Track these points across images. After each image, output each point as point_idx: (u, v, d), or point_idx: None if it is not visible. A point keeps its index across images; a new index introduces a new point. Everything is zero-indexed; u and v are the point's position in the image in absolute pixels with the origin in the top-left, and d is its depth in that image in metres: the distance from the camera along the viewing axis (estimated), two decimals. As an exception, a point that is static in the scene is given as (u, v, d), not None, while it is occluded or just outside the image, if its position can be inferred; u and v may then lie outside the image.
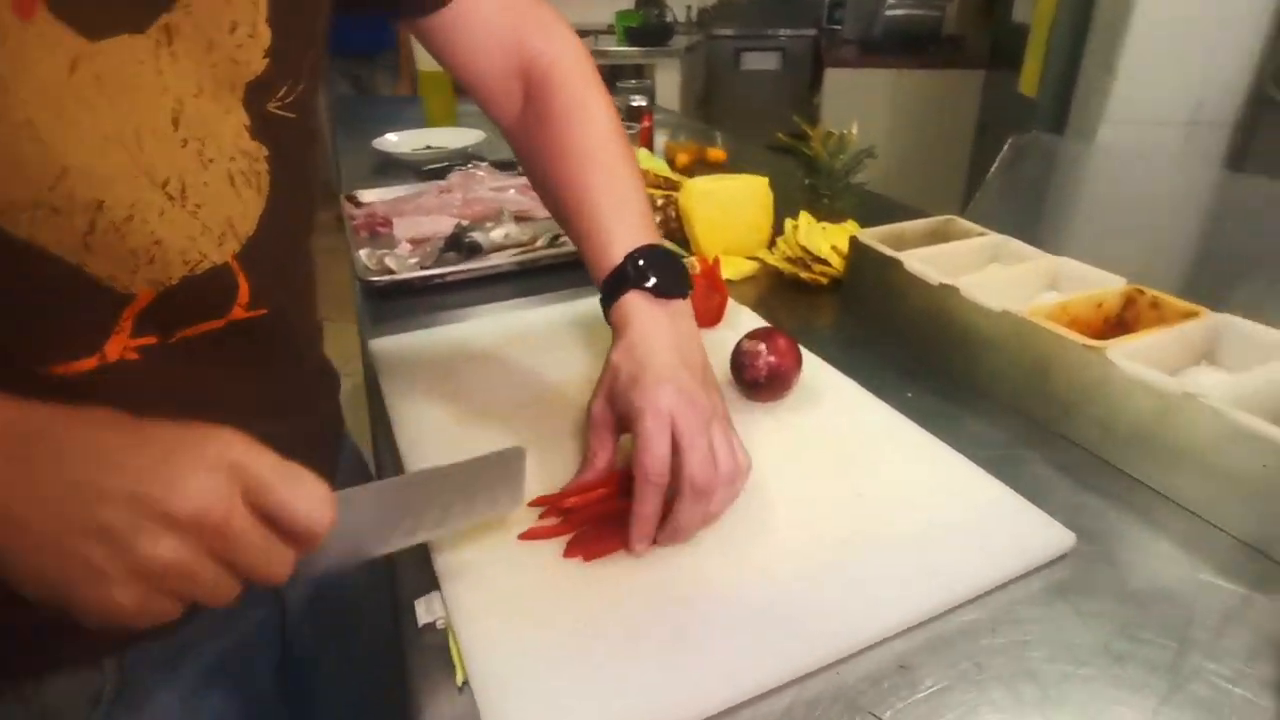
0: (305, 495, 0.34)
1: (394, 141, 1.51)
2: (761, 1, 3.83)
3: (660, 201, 1.03)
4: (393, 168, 1.43)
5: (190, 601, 0.32)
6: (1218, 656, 0.43)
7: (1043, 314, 0.64)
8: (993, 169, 1.17)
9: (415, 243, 1.02)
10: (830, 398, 0.65)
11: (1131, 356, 0.57)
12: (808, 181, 1.09)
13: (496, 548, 0.49)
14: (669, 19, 3.47)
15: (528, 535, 0.48)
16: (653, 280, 0.54)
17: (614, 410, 0.51)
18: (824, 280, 0.88)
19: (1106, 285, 0.69)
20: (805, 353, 0.66)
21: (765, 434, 0.61)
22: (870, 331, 0.80)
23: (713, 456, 0.47)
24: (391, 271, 0.91)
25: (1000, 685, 0.41)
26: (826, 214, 0.97)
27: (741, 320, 0.79)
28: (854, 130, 1.04)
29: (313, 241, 0.54)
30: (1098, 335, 0.62)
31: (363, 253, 0.95)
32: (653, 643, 0.43)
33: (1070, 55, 1.87)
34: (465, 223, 1.03)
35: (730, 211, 0.95)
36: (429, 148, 1.49)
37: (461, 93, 1.27)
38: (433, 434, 0.61)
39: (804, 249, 0.88)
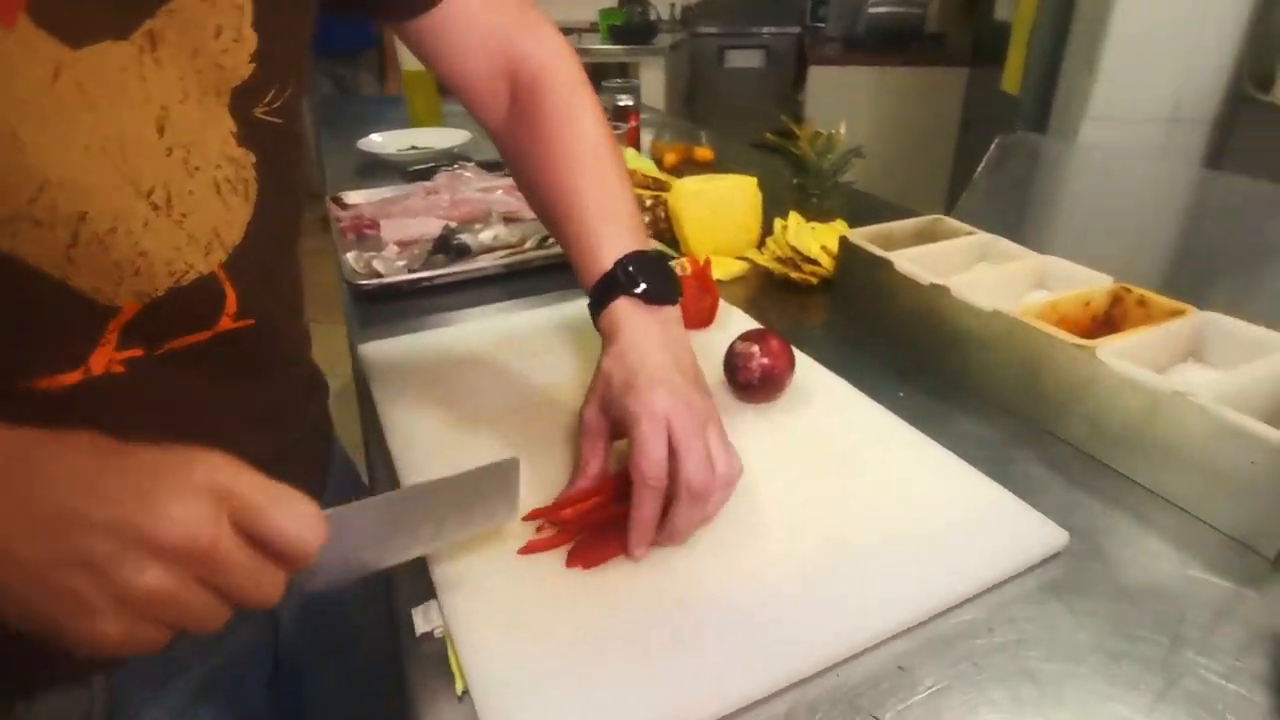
0: (295, 516, 0.33)
1: (379, 142, 1.49)
2: (745, -1, 3.84)
3: (649, 202, 1.03)
4: (378, 168, 1.42)
5: (179, 629, 0.32)
6: (1210, 652, 0.44)
7: (1033, 313, 0.64)
8: (980, 169, 1.18)
9: (403, 245, 1.01)
10: (823, 398, 0.65)
11: (1120, 355, 0.58)
12: (796, 181, 1.09)
13: (494, 557, 0.49)
14: (653, 17, 3.47)
15: (527, 550, 0.48)
16: (643, 286, 0.53)
17: (607, 417, 0.51)
18: (814, 280, 0.88)
19: (1094, 284, 0.70)
20: (797, 353, 0.66)
21: (759, 435, 0.61)
22: (861, 331, 0.80)
23: (709, 460, 0.47)
24: (380, 274, 0.91)
25: (998, 685, 0.42)
26: (815, 213, 0.97)
27: (733, 321, 0.79)
28: (842, 130, 1.05)
29: (300, 246, 0.54)
30: (1086, 333, 0.63)
31: (350, 255, 0.95)
32: (653, 649, 0.42)
33: (1052, 53, 1.89)
34: (453, 224, 1.02)
35: (720, 212, 0.95)
36: (414, 148, 1.48)
37: (446, 92, 1.26)
38: (425, 440, 0.61)
39: (794, 249, 0.88)
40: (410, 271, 0.92)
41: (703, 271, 0.79)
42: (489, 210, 1.07)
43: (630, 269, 0.54)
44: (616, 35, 3.36)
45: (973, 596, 0.47)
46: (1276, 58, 1.58)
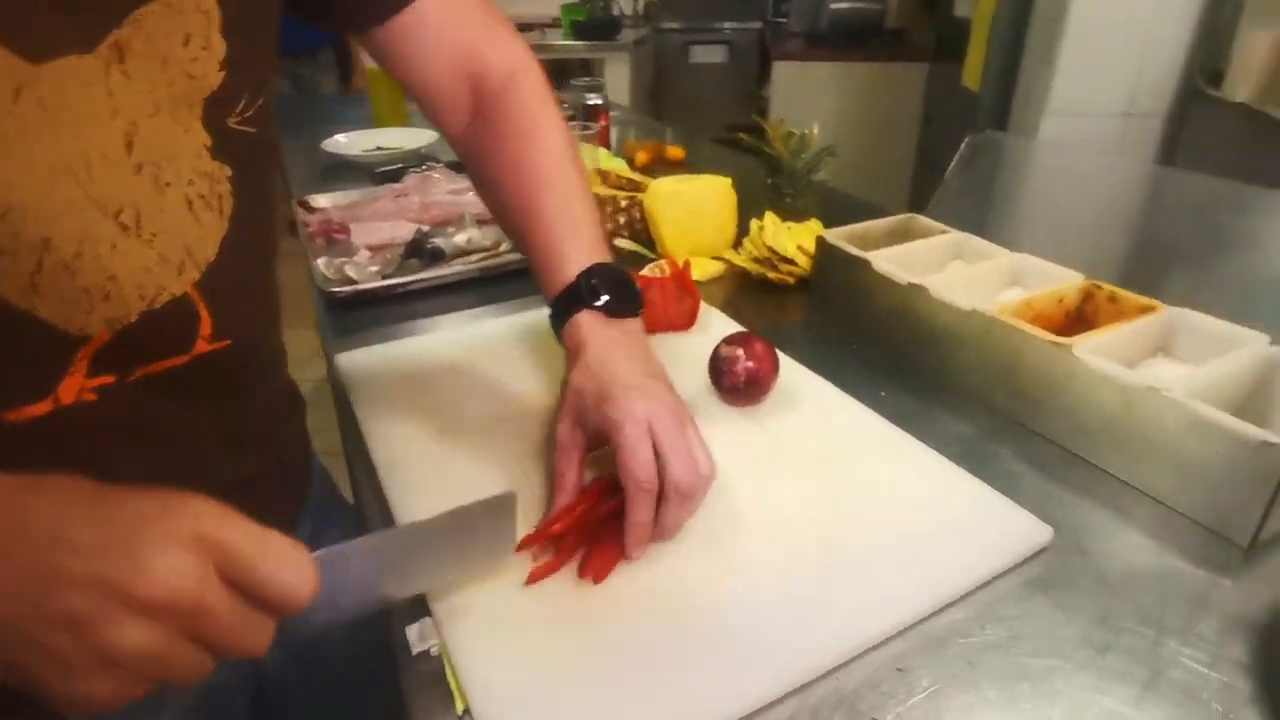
0: (284, 564, 0.32)
1: (343, 143, 1.47)
2: (707, -6, 3.85)
3: (624, 203, 1.02)
4: (343, 170, 1.39)
5: (165, 683, 0.31)
6: (1192, 642, 0.45)
7: (1009, 311, 0.65)
8: (951, 167, 1.20)
9: (374, 249, 0.99)
10: (808, 400, 0.66)
11: (1095, 351, 0.59)
12: (771, 181, 1.10)
13: (489, 576, 0.48)
14: (615, 12, 3.45)
15: (532, 579, 0.47)
16: (605, 298, 0.54)
17: (583, 431, 0.51)
18: (791, 280, 0.88)
19: (1066, 281, 0.71)
20: (779, 354, 0.66)
21: (746, 439, 0.61)
22: (840, 330, 0.81)
23: (693, 458, 0.48)
24: (353, 281, 0.89)
25: (993, 683, 0.42)
26: (789, 212, 0.98)
27: (714, 323, 0.79)
28: (815, 130, 1.05)
29: (276, 259, 0.52)
30: (1060, 330, 0.64)
31: (320, 261, 0.93)
32: (653, 662, 0.42)
33: (1011, 49, 1.93)
34: (426, 228, 1.01)
35: (696, 213, 0.95)
36: (380, 149, 1.45)
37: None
38: (412, 455, 0.60)
39: (771, 249, 0.88)
40: (384, 277, 0.90)
41: (682, 274, 0.79)
42: (461, 213, 1.05)
43: (594, 281, 0.55)
44: (579, 31, 3.34)
45: (965, 594, 0.48)
46: (1226, 54, 1.63)
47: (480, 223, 1.03)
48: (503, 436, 0.61)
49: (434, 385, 0.69)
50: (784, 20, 3.70)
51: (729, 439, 0.61)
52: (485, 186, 0.63)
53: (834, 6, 3.38)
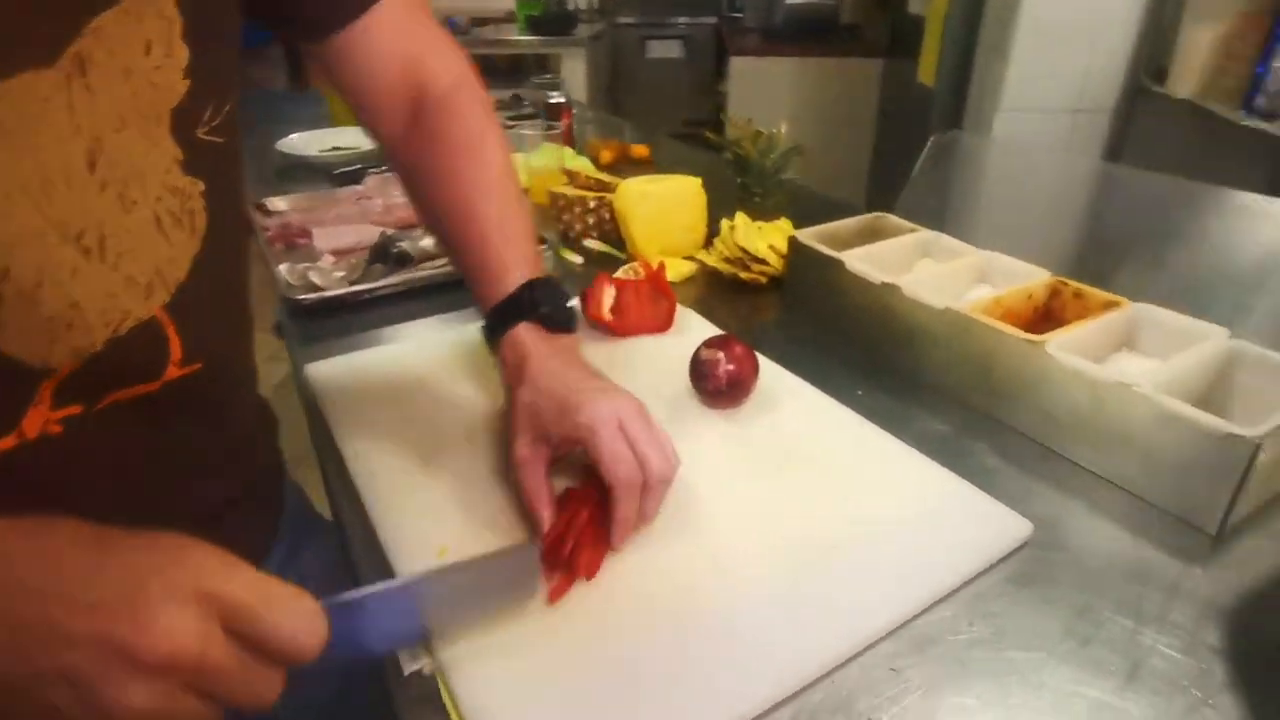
0: (292, 616, 0.31)
1: (299, 143, 1.43)
2: (662, -12, 3.84)
3: (593, 203, 1.02)
4: (299, 171, 1.36)
5: None
6: (1169, 630, 0.46)
7: (981, 309, 0.67)
8: (917, 166, 1.22)
9: (338, 254, 0.97)
10: (787, 401, 0.66)
11: (1065, 348, 0.61)
12: (740, 180, 1.10)
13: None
14: (571, 7, 3.42)
15: (555, 596, 0.47)
16: (544, 309, 0.56)
17: (547, 444, 0.51)
18: (763, 280, 0.89)
19: (1033, 278, 0.73)
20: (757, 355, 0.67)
21: (729, 441, 0.61)
22: (815, 330, 0.81)
23: (665, 448, 0.49)
24: (317, 287, 0.87)
25: (984, 679, 0.43)
26: (759, 211, 0.98)
27: (690, 325, 0.79)
28: (782, 129, 1.06)
29: (249, 274, 0.50)
30: (1028, 325, 0.65)
31: (283, 268, 0.90)
32: (649, 673, 0.42)
33: (964, 46, 1.96)
34: (390, 231, 0.98)
35: (667, 213, 0.95)
36: (337, 149, 1.42)
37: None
38: (393, 466, 0.58)
39: (742, 249, 0.88)
40: (350, 283, 0.88)
41: (658, 275, 0.79)
42: (427, 215, 1.03)
43: (535, 294, 0.56)
44: (534, 26, 3.30)
45: (952, 592, 0.48)
46: (1169, 51, 1.69)
47: (447, 225, 1.01)
48: (483, 445, 0.60)
49: (408, 395, 0.67)
50: (739, 15, 3.72)
51: (711, 441, 0.61)
52: (421, 194, 0.63)
53: (789, 2, 3.40)
